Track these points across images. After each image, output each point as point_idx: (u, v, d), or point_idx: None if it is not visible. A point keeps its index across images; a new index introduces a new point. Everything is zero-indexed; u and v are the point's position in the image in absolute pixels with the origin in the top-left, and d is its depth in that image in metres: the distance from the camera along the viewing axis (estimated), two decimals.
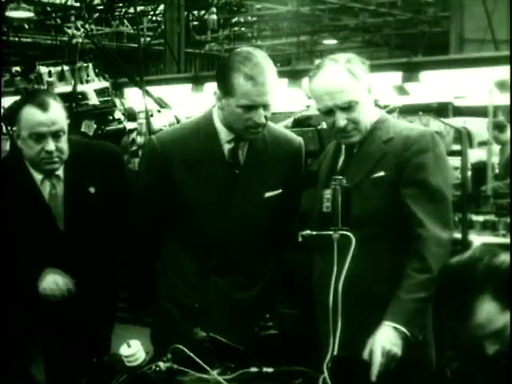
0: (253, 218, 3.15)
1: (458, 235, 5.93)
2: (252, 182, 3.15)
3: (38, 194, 3.40)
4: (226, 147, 3.12)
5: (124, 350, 2.53)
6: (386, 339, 2.58)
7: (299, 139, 3.30)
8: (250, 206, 3.14)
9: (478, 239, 6.16)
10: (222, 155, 3.13)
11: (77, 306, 3.40)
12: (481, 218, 6.31)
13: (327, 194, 2.67)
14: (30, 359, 3.64)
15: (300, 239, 2.68)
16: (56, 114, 3.30)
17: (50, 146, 3.28)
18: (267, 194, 3.15)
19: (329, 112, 2.86)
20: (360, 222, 2.73)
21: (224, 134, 3.11)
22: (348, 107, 2.83)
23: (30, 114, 3.29)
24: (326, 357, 2.49)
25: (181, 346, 2.49)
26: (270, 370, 2.42)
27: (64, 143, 3.34)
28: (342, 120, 2.81)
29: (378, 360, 2.50)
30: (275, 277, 3.26)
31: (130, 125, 5.55)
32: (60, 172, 3.41)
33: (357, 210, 2.72)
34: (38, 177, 3.41)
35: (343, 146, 2.95)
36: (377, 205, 2.83)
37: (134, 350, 2.53)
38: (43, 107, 3.28)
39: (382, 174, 2.83)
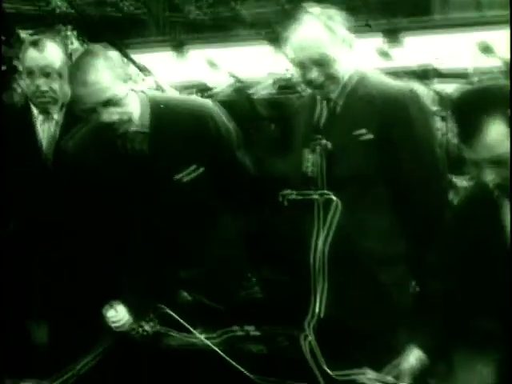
0: (174, 200, 3.14)
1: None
2: (156, 170, 3.07)
3: (33, 129, 3.45)
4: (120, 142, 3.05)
5: (109, 313, 2.56)
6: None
7: (206, 106, 3.16)
8: (166, 190, 3.12)
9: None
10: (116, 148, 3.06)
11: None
12: (464, 183, 6.34)
13: (308, 154, 2.65)
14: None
15: (280, 199, 2.67)
16: (50, 54, 3.38)
17: (40, 81, 3.34)
18: (186, 178, 3.13)
19: (303, 65, 2.78)
20: (342, 182, 2.72)
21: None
22: (322, 62, 2.77)
23: (27, 51, 3.39)
24: (308, 316, 2.50)
25: (165, 308, 2.52)
26: (254, 329, 2.44)
27: (58, 85, 3.38)
28: (314, 72, 2.78)
29: None
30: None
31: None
32: (56, 115, 3.44)
33: (339, 170, 2.70)
34: (39, 117, 3.46)
35: (323, 103, 2.91)
36: (360, 165, 2.80)
37: (119, 312, 2.55)
38: (39, 46, 3.37)
39: (364, 132, 2.80)
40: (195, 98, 3.47)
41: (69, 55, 3.59)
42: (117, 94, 2.86)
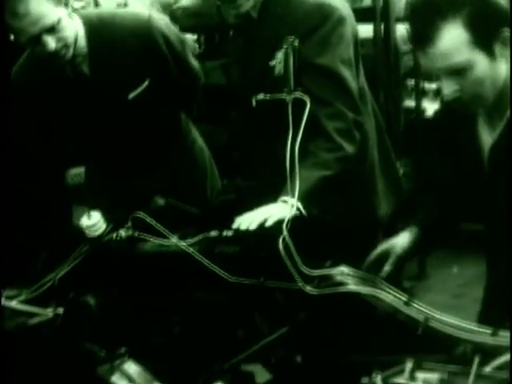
0: (126, 121, 3.13)
1: (411, 103, 5.97)
2: (103, 90, 3.08)
3: None
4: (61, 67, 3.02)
5: (84, 221, 2.56)
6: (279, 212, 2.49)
7: (144, 13, 3.15)
8: (115, 112, 3.10)
9: (431, 107, 6.21)
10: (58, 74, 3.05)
11: None
12: (434, 86, 6.34)
13: (279, 56, 2.64)
14: None
15: (254, 104, 2.66)
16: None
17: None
18: (132, 95, 3.10)
19: None
20: None
21: None
22: None
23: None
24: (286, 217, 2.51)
25: (141, 214, 2.51)
26: (230, 232, 2.45)
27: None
28: None
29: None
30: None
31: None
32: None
33: None
34: None
35: None
36: None
37: (94, 220, 2.55)
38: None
39: None
40: (138, 12, 3.28)
41: None
42: (50, 21, 2.79)
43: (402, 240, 2.62)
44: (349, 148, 2.74)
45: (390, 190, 3.19)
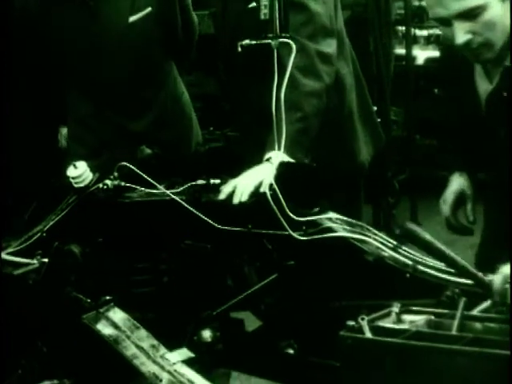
0: (123, 47, 3.10)
1: (402, 50, 5.94)
2: (108, 9, 3.07)
3: None
4: None
5: (71, 172, 2.54)
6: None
7: None
8: (114, 38, 3.08)
9: (422, 54, 6.17)
10: None
11: None
12: (425, 33, 6.30)
13: (264, 1, 2.60)
14: None
15: (240, 50, 2.62)
16: None
17: None
18: (132, 19, 3.08)
19: None
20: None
21: None
22: None
23: None
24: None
25: (127, 164, 2.50)
26: (217, 181, 2.43)
27: None
28: None
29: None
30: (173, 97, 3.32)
31: None
32: None
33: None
34: None
35: None
36: None
37: (80, 170, 2.53)
38: None
39: None
40: None
41: None
42: None
43: (463, 183, 2.65)
44: (312, 84, 2.69)
45: (370, 136, 3.18)
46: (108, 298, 2.24)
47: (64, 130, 3.70)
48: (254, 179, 2.36)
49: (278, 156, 2.39)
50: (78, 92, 3.32)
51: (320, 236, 2.22)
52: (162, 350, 2.11)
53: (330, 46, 2.81)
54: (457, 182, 2.70)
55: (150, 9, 3.10)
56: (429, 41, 6.23)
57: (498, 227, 2.53)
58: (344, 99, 3.04)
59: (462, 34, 2.20)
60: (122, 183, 2.50)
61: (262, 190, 2.29)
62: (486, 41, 2.24)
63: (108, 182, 2.51)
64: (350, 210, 2.64)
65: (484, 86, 2.42)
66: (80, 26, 3.07)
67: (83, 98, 3.31)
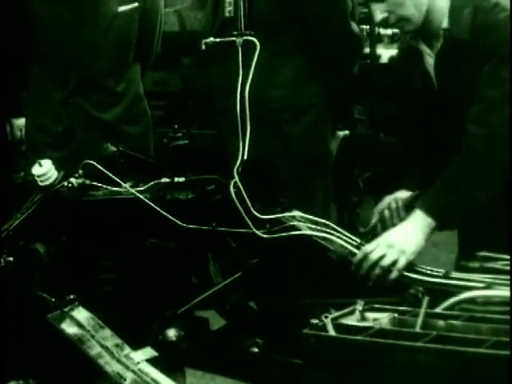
0: (107, 34, 3.12)
1: (366, 49, 5.96)
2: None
3: None
4: None
5: (36, 170, 2.51)
6: None
7: None
8: (103, 22, 3.10)
9: (386, 52, 6.20)
10: None
11: None
12: (389, 32, 6.33)
13: None
14: None
15: (203, 47, 2.62)
16: None
17: None
18: (121, 9, 3.12)
19: None
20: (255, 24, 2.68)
21: None
22: None
23: None
24: (236, 162, 2.49)
25: (92, 162, 2.48)
26: (182, 179, 2.42)
27: None
28: None
29: None
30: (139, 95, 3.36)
31: None
32: None
33: (257, 11, 2.66)
34: None
35: None
36: (268, 7, 2.80)
37: (45, 169, 2.51)
38: None
39: None
40: None
41: None
42: None
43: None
44: None
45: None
46: (72, 297, 2.22)
47: (18, 122, 3.68)
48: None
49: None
50: (48, 78, 3.30)
51: (284, 234, 2.22)
52: (127, 349, 2.10)
53: None
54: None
55: (137, 4, 3.15)
56: (393, 40, 6.26)
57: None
58: None
59: (378, 13, 2.57)
60: (87, 181, 2.48)
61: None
62: (400, 16, 2.43)
63: (73, 180, 2.49)
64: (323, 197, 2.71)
65: (431, 61, 2.55)
66: (71, 2, 3.11)
67: (53, 84, 3.29)
